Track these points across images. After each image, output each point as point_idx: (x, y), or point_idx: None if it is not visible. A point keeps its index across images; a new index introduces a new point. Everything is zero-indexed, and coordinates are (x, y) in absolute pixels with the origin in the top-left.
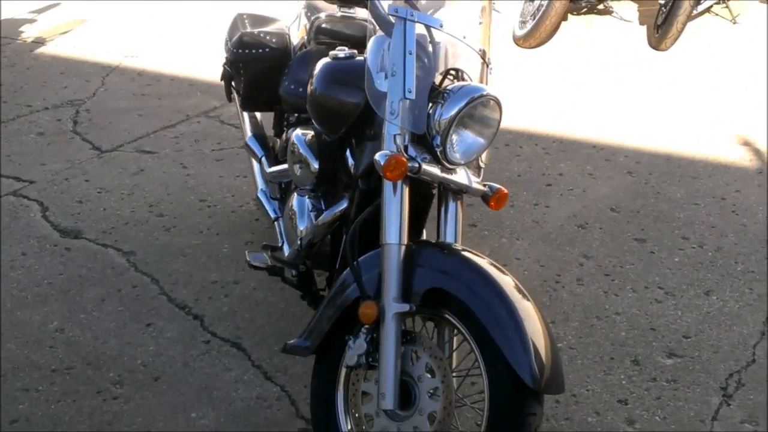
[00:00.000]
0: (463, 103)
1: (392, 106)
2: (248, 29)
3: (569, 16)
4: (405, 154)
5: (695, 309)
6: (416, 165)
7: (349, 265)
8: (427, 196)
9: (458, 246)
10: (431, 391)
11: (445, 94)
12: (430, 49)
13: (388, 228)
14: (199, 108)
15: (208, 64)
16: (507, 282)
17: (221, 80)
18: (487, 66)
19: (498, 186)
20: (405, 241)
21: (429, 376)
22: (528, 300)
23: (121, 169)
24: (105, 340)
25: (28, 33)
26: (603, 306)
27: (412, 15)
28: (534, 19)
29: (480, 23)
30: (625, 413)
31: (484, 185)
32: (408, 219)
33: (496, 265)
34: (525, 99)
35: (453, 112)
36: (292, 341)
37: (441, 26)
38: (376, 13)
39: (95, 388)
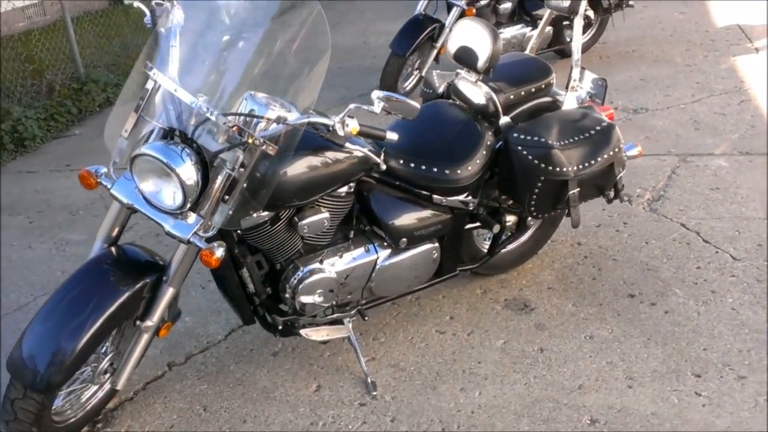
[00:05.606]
0: (132, 154)
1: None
2: None
3: None
4: (108, 177)
5: None
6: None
7: None
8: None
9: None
10: None
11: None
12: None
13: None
14: None
15: None
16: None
17: None
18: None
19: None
20: (108, 243)
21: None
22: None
23: None
24: None
25: None
26: None
27: (154, 73)
28: None
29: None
30: None
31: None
32: None
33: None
34: None
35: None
36: None
37: (175, 90)
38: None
39: None
